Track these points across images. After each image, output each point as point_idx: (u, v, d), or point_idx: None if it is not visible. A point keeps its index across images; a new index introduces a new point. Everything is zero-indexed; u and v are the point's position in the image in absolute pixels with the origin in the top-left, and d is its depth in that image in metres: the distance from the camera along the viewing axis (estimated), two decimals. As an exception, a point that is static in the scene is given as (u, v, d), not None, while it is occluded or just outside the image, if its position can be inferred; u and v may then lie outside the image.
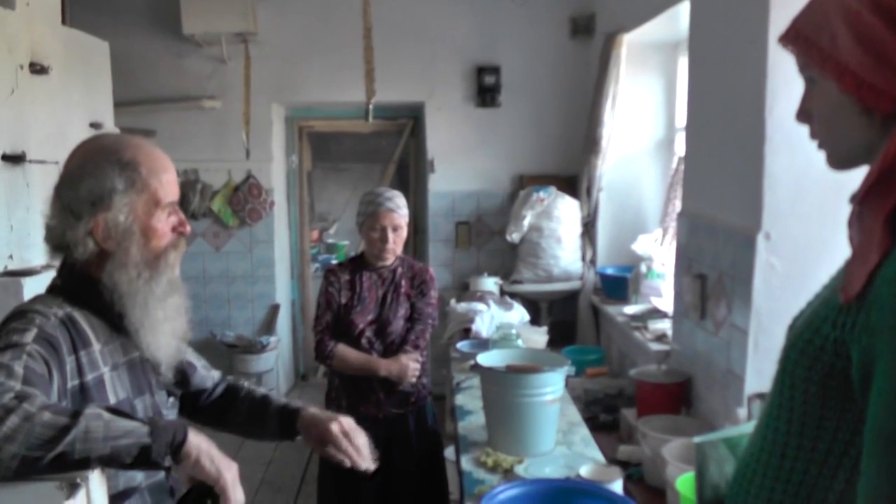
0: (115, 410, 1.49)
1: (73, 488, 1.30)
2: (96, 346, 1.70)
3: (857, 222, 1.11)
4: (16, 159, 3.42)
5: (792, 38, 1.18)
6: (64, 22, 4.23)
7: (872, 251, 1.04)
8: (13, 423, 1.35)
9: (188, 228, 1.86)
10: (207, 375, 2.12)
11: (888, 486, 0.96)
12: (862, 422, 1.04)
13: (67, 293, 1.73)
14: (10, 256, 3.40)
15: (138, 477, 1.71)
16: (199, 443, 1.55)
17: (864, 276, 1.04)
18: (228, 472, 1.57)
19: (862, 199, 1.08)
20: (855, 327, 1.05)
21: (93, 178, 1.70)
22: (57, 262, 1.82)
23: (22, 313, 1.64)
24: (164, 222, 1.78)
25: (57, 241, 1.74)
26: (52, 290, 1.76)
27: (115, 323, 1.76)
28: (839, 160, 1.19)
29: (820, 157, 1.22)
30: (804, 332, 1.15)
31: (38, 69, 3.59)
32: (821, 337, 1.11)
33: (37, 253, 3.44)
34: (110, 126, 4.50)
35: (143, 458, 1.44)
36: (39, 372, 1.51)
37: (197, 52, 6.10)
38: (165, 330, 1.81)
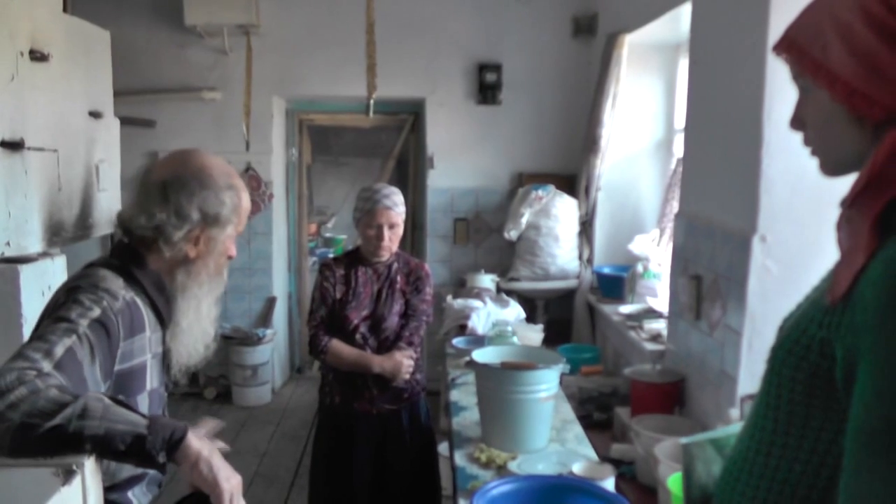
0: (117, 401, 1.50)
1: (68, 475, 1.31)
2: (147, 333, 1.78)
3: (846, 225, 1.13)
4: (14, 146, 3.42)
5: (785, 47, 1.19)
6: (65, 10, 4.22)
7: (859, 253, 1.06)
8: (21, 393, 1.40)
9: (235, 253, 1.99)
10: None
11: (868, 483, 0.98)
12: (845, 421, 1.05)
13: (127, 276, 1.79)
14: (8, 243, 3.40)
15: None
16: (199, 448, 1.54)
17: (849, 278, 1.06)
18: (227, 483, 1.55)
19: (851, 203, 1.10)
20: (840, 327, 1.07)
21: (212, 192, 1.82)
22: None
23: (93, 288, 1.69)
24: (233, 245, 1.95)
25: (149, 232, 1.81)
26: (110, 267, 1.81)
27: (160, 315, 1.85)
28: (831, 167, 1.21)
29: (815, 162, 1.24)
30: (792, 332, 1.17)
31: (38, 56, 3.58)
32: (807, 337, 1.13)
33: (34, 240, 3.44)
34: (110, 115, 4.49)
35: (137, 448, 1.45)
36: (79, 358, 1.55)
37: (199, 43, 6.10)
38: (206, 335, 1.98)
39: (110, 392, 1.63)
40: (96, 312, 1.62)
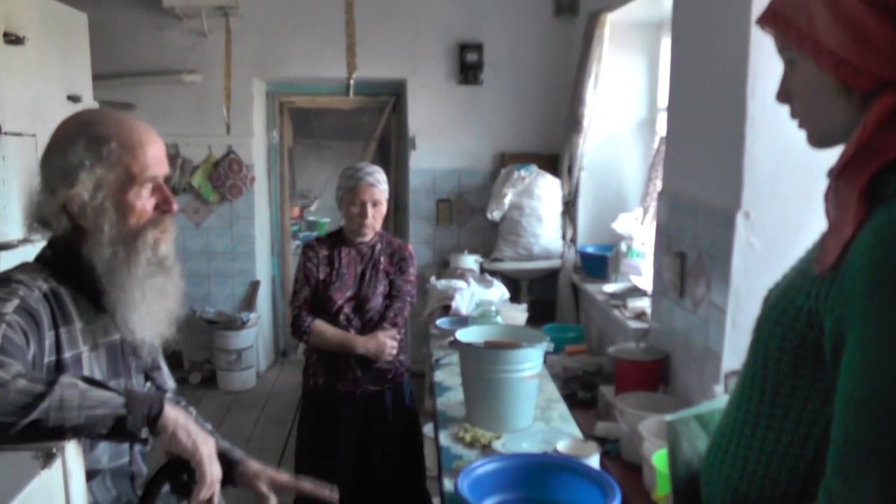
0: (91, 380, 1.47)
1: (48, 458, 1.28)
2: (78, 325, 1.68)
3: (834, 196, 1.13)
4: (-8, 131, 3.39)
5: (769, 19, 1.18)
6: (41, -8, 4.17)
7: (847, 223, 1.06)
8: None
9: (175, 207, 1.79)
10: (165, 383, 2.04)
11: (856, 454, 0.98)
12: (832, 391, 1.06)
13: (54, 266, 1.70)
14: (-13, 229, 3.38)
15: (102, 460, 1.70)
16: (176, 416, 1.54)
17: (838, 248, 1.06)
18: (205, 447, 1.57)
19: (839, 174, 1.10)
20: (828, 298, 1.07)
21: (62, 152, 1.67)
22: (35, 237, 1.80)
23: (6, 281, 1.61)
24: (144, 199, 1.72)
25: (38, 215, 1.72)
26: (41, 260, 1.73)
27: (99, 302, 1.73)
28: (819, 139, 1.20)
29: (800, 137, 1.23)
30: (779, 302, 1.17)
31: (13, 39, 3.54)
32: (795, 307, 1.13)
33: (14, 226, 3.41)
34: (89, 99, 4.45)
35: (118, 429, 1.44)
36: (18, 343, 1.49)
37: (177, 25, 6.03)
38: (144, 312, 1.76)
39: None
40: (15, 301, 1.54)
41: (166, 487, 1.63)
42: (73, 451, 1.35)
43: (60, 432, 1.37)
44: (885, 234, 0.99)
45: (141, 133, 1.73)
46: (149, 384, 1.93)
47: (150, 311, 1.77)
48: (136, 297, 1.73)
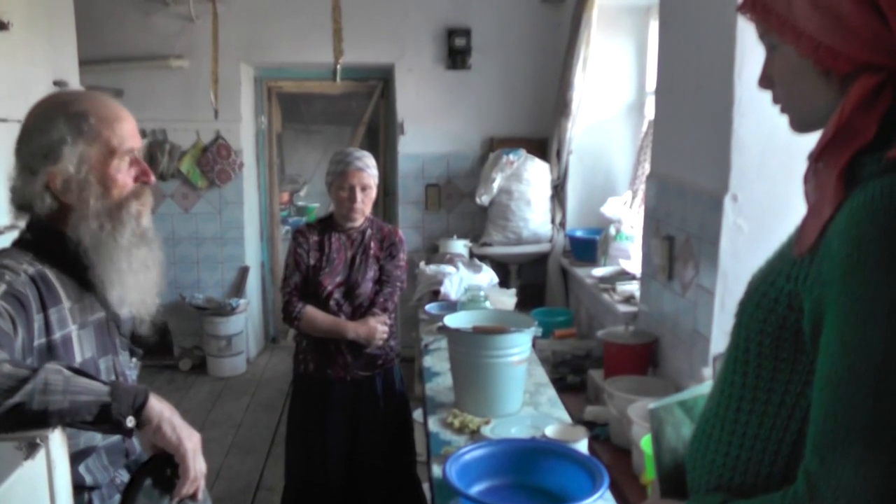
0: (76, 370, 1.47)
1: (32, 448, 1.27)
2: (66, 304, 1.69)
3: (813, 178, 1.14)
4: (-24, 117, 3.36)
5: (749, 5, 1.19)
6: (25, -24, 4.13)
7: (826, 205, 1.07)
8: None
9: (152, 178, 1.83)
10: None
11: (833, 433, 0.99)
12: (812, 373, 1.06)
13: (37, 249, 1.71)
14: (-28, 216, 3.35)
15: (97, 437, 1.70)
16: (161, 409, 1.53)
17: (817, 229, 1.07)
18: (189, 441, 1.56)
19: (818, 156, 1.11)
20: (807, 279, 1.08)
21: (42, 131, 1.69)
22: (21, 223, 1.79)
23: None
24: (124, 172, 1.76)
25: (20, 199, 1.72)
26: (22, 244, 1.73)
27: (84, 280, 1.74)
28: (801, 123, 1.21)
29: (785, 119, 1.23)
30: (760, 285, 1.18)
31: (-2, 24, 3.52)
32: (775, 290, 1.14)
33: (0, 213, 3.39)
34: (75, 84, 4.42)
35: (103, 417, 1.43)
36: (5, 329, 1.49)
37: (164, 9, 6.00)
38: (131, 282, 1.79)
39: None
40: (2, 287, 1.55)
41: (149, 482, 1.61)
42: (57, 441, 1.34)
43: (45, 418, 1.36)
44: (862, 214, 1.00)
45: (115, 108, 1.78)
46: (134, 359, 1.94)
47: (137, 281, 1.81)
48: (124, 267, 1.76)
